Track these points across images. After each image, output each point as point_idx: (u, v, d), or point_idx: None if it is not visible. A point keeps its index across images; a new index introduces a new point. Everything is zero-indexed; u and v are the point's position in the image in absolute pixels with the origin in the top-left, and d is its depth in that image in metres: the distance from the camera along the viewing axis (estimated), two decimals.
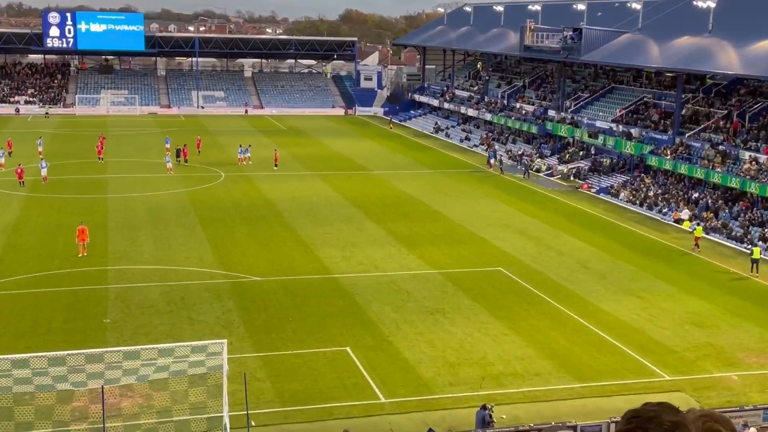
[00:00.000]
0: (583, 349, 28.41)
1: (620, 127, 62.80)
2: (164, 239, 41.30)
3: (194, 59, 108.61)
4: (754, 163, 49.23)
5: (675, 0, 68.66)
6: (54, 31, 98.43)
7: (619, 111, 65.97)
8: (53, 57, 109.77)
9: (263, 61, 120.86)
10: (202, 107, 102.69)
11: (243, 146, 64.99)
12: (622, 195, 55.79)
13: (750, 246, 41.64)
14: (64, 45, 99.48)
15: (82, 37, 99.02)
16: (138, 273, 35.60)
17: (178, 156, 61.79)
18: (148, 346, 23.62)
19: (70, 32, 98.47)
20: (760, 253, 39.13)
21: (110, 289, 33.29)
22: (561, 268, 38.56)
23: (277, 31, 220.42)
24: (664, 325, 31.13)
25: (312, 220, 46.58)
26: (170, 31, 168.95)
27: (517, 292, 34.63)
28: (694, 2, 60.82)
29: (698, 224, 45.83)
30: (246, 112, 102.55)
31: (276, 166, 62.99)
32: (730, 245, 43.43)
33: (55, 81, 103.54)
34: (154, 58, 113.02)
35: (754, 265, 38.28)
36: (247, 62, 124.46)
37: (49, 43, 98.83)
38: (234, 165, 63.60)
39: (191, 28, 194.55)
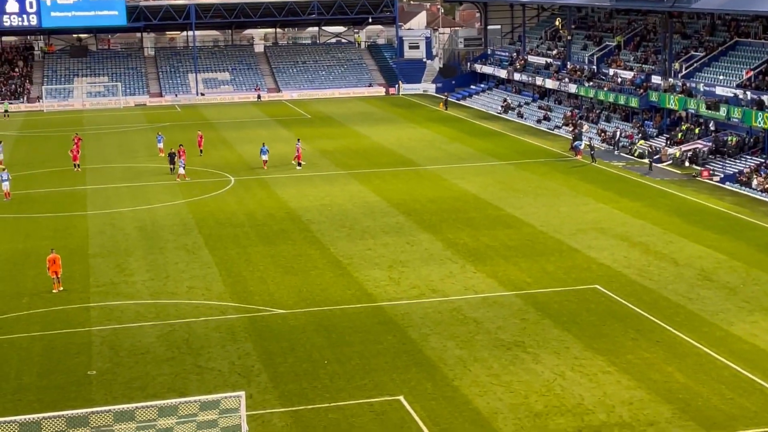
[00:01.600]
0: (711, 389, 28.03)
1: (748, 93, 62.01)
2: (161, 266, 41.80)
3: (190, 33, 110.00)
4: None
5: None
6: (11, 6, 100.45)
7: (747, 73, 65.13)
8: (12, 39, 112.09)
9: (278, 31, 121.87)
10: (203, 94, 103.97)
11: (266, 143, 65.28)
12: (755, 183, 55.06)
13: None
14: (25, 23, 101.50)
15: (47, 11, 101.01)
16: (129, 310, 36.05)
17: (172, 162, 61.91)
18: (144, 404, 23.88)
19: (32, 6, 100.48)
20: None
21: (94, 333, 33.74)
22: (678, 282, 38.12)
23: None
24: None
25: (348, 233, 46.77)
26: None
27: (620, 317, 34.31)
28: None
29: None
30: (259, 97, 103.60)
31: (299, 165, 63.46)
32: None
33: (16, 69, 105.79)
34: (139, 35, 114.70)
35: None
36: (258, 33, 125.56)
37: (5, 21, 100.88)
38: (247, 168, 64.15)
39: None
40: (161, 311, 35.81)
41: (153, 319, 34.87)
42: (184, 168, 60.08)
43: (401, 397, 27.66)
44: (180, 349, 31.97)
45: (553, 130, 78.52)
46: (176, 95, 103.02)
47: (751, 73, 64.61)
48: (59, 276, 38.27)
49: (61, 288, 38.15)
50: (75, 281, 39.35)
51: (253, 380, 29.16)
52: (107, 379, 29.60)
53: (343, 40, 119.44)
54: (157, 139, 70.56)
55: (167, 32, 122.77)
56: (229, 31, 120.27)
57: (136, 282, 39.45)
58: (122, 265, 41.87)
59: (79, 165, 64.58)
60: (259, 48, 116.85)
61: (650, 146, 63.83)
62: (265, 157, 63.26)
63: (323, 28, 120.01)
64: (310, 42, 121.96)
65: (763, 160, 58.41)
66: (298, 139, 67.17)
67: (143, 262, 42.29)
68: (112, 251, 44.24)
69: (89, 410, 23.45)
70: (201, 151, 68.80)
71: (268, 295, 37.37)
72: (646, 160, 63.82)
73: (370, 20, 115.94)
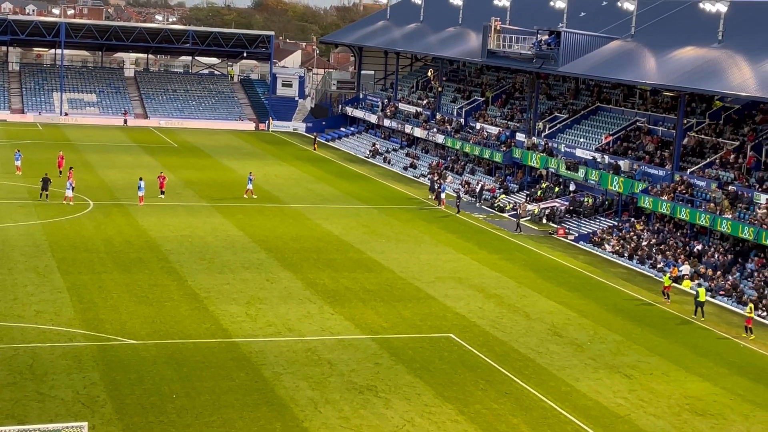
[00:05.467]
0: None
1: (606, 158, 64.10)
2: (8, 287, 40.41)
3: (58, 51, 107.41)
4: None
5: (677, 2, 70.83)
6: None
7: (605, 137, 67.39)
8: None
9: (150, 57, 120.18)
10: (67, 114, 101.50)
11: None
12: (606, 244, 56.77)
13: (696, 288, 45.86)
14: None
15: None
16: None
17: (45, 188, 58.89)
18: None
19: None
20: (706, 295, 44.61)
21: None
22: (528, 336, 38.91)
23: (170, 19, 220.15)
24: (657, 413, 31.60)
25: (207, 266, 46.20)
26: (28, 14, 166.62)
27: (471, 366, 34.77)
28: (701, 5, 62.85)
29: (667, 273, 49.46)
30: (125, 122, 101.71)
31: (162, 194, 62.47)
32: (741, 311, 44.44)
33: None
34: (4, 48, 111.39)
35: (699, 308, 43.63)
36: (129, 58, 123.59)
37: None
38: (108, 193, 62.74)
39: (56, 11, 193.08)
40: (5, 334, 34.56)
41: None
42: (72, 190, 58.28)
43: None
44: (22, 374, 30.90)
45: (418, 178, 79.57)
46: (39, 113, 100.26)
47: (610, 138, 66.90)
48: None
49: None
50: None
51: (98, 411, 28.38)
52: None
53: (216, 72, 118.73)
54: (15, 157, 68.42)
55: (35, 48, 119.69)
56: (100, 53, 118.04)
57: None
58: None
59: None
60: (129, 72, 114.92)
61: (520, 208, 64.42)
62: (141, 193, 60.27)
63: (197, 58, 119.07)
64: (182, 71, 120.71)
65: (615, 223, 60.42)
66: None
67: None
68: None
69: None
70: (60, 172, 66.95)
71: (120, 325, 36.53)
72: (506, 215, 65.20)
73: (245, 55, 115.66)
